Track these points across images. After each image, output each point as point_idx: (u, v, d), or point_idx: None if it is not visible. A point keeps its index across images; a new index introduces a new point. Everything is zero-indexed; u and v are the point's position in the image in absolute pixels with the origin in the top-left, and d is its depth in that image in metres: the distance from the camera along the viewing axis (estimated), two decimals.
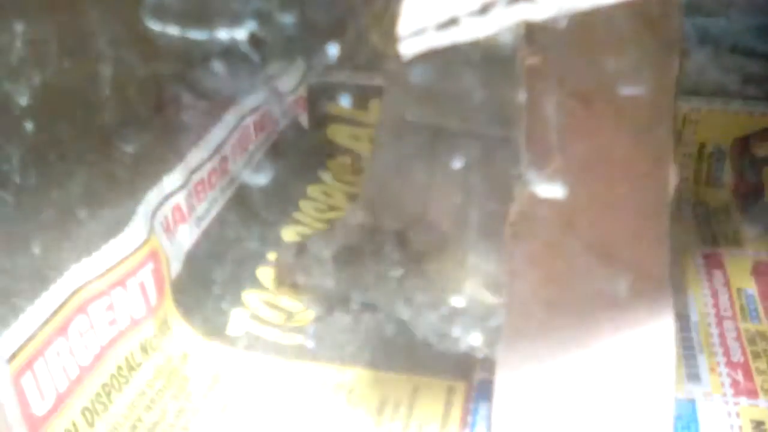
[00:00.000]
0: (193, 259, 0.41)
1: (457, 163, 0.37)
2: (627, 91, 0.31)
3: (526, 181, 0.30)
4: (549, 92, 0.31)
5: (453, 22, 0.20)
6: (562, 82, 0.31)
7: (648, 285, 0.32)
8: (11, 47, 0.32)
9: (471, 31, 0.20)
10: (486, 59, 0.34)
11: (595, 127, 0.31)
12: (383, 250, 0.39)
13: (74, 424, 0.31)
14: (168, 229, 0.40)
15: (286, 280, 0.44)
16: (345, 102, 0.55)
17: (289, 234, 0.49)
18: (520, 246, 0.31)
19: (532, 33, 0.30)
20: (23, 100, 0.33)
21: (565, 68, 0.31)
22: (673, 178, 0.32)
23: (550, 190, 0.30)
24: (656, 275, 0.32)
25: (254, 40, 0.33)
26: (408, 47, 0.21)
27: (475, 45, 0.21)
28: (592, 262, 0.31)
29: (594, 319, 0.32)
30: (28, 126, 0.33)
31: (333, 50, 0.35)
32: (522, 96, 0.31)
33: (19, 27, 0.33)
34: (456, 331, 0.38)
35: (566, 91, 0.31)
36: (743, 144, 0.52)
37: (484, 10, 0.20)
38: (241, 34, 0.32)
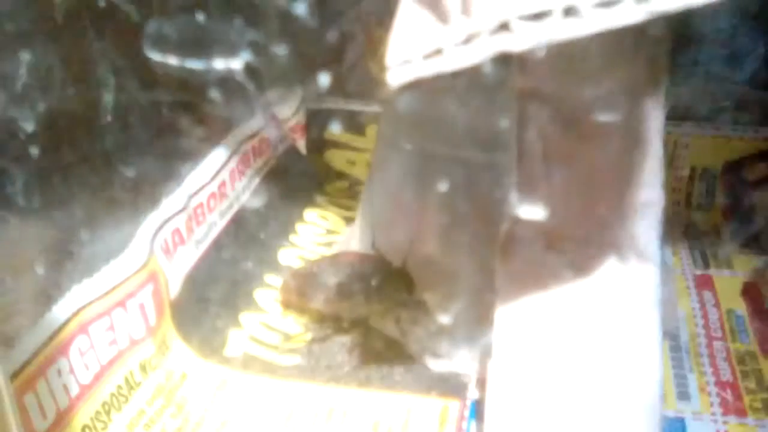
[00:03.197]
0: (192, 281, 0.42)
1: (450, 188, 0.37)
2: (614, 114, 0.32)
3: (513, 203, 0.31)
4: (538, 116, 0.32)
5: (438, 52, 0.21)
6: (550, 106, 0.31)
7: (636, 304, 0.32)
8: (17, 75, 0.33)
9: (456, 60, 0.21)
10: (474, 87, 0.35)
11: (582, 149, 0.32)
12: (384, 284, 0.39)
13: None
14: (167, 252, 0.40)
15: (291, 304, 0.44)
16: (342, 128, 0.56)
17: (286, 257, 0.49)
18: (509, 265, 0.32)
19: (524, 59, 0.31)
20: (28, 126, 0.33)
21: (554, 93, 0.31)
22: (661, 199, 0.32)
23: (533, 211, 0.30)
24: (644, 294, 0.32)
25: (249, 69, 0.34)
26: (396, 76, 0.22)
27: (462, 74, 0.22)
28: (580, 282, 0.32)
29: (582, 338, 0.32)
30: (33, 150, 0.34)
31: (326, 79, 0.36)
32: (511, 121, 0.32)
33: (25, 56, 0.33)
34: (447, 351, 0.39)
35: (554, 115, 0.32)
36: (734, 168, 0.53)
37: (468, 40, 0.21)
38: (236, 63, 0.33)
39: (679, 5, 0.20)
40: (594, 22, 0.20)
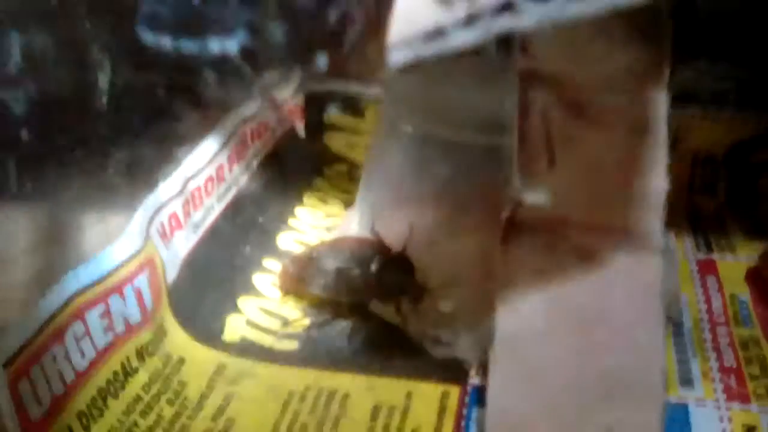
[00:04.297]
0: (189, 266, 0.42)
1: (451, 172, 0.37)
2: (617, 97, 0.31)
3: (516, 188, 0.30)
4: (540, 99, 0.31)
5: (440, 33, 0.21)
6: (553, 89, 0.31)
7: (639, 291, 0.32)
8: (8, 57, 0.33)
9: (457, 41, 0.21)
10: (476, 69, 0.34)
11: (585, 133, 0.31)
12: (384, 268, 0.39)
13: (70, 429, 0.32)
14: (164, 236, 0.40)
15: (289, 290, 0.44)
16: (341, 111, 0.56)
17: (285, 241, 0.49)
18: (511, 250, 0.32)
19: (526, 41, 0.31)
20: (20, 109, 0.33)
21: (556, 75, 0.31)
22: (664, 184, 0.32)
23: (536, 196, 0.30)
24: (647, 281, 0.32)
25: (246, 51, 0.33)
26: (396, 57, 0.21)
27: (463, 56, 0.21)
28: (582, 268, 0.31)
29: (584, 324, 0.32)
30: (25, 134, 0.33)
31: (325, 61, 0.35)
32: (513, 104, 0.31)
33: (16, 37, 0.33)
34: (448, 337, 0.38)
35: (557, 98, 0.31)
36: (738, 152, 0.52)
37: (470, 21, 0.20)
38: (232, 45, 0.33)
39: None
40: (599, 1, 0.20)
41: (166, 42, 0.33)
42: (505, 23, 0.20)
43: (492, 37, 0.21)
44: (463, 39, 0.21)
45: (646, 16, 0.30)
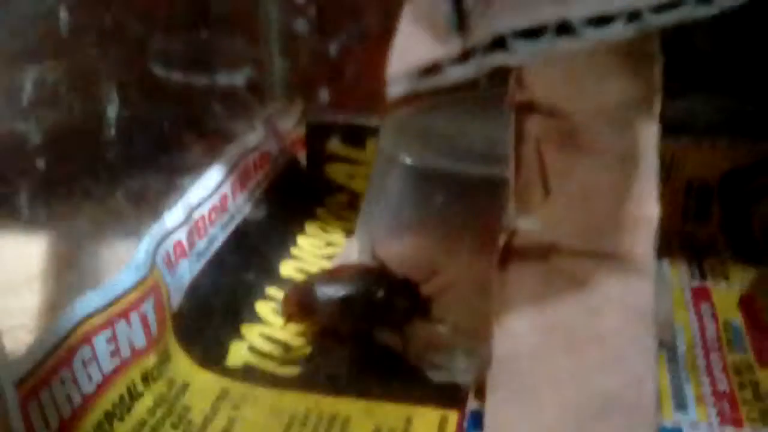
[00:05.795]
0: (193, 293, 0.42)
1: (449, 201, 0.38)
2: (610, 128, 0.32)
3: (512, 216, 0.31)
4: (535, 129, 0.32)
5: (436, 68, 0.22)
6: (547, 120, 0.32)
7: (631, 315, 0.33)
8: (24, 89, 0.34)
9: (453, 76, 0.22)
10: (474, 101, 0.35)
11: (579, 162, 0.32)
12: (390, 298, 0.39)
13: None
14: (169, 264, 0.40)
15: (292, 317, 0.45)
16: (342, 141, 0.57)
17: (287, 269, 0.50)
18: (506, 277, 0.32)
19: (521, 73, 0.32)
20: (35, 139, 0.34)
21: (550, 106, 0.32)
22: (656, 211, 0.33)
23: (530, 224, 0.31)
24: (639, 305, 0.33)
25: (251, 84, 0.34)
26: (395, 90, 0.22)
27: (460, 88, 0.22)
28: (576, 292, 0.32)
29: (579, 349, 0.32)
30: (39, 163, 0.34)
31: (326, 93, 0.36)
32: (508, 134, 0.32)
33: (31, 70, 0.34)
34: (447, 361, 0.39)
35: (551, 128, 0.32)
36: (731, 180, 0.53)
37: (464, 57, 0.21)
38: (239, 79, 0.34)
39: (670, 20, 0.21)
40: (588, 37, 0.21)
41: (176, 76, 0.34)
42: (497, 59, 0.21)
43: (486, 71, 0.22)
44: (457, 74, 0.22)
45: (637, 49, 0.31)
